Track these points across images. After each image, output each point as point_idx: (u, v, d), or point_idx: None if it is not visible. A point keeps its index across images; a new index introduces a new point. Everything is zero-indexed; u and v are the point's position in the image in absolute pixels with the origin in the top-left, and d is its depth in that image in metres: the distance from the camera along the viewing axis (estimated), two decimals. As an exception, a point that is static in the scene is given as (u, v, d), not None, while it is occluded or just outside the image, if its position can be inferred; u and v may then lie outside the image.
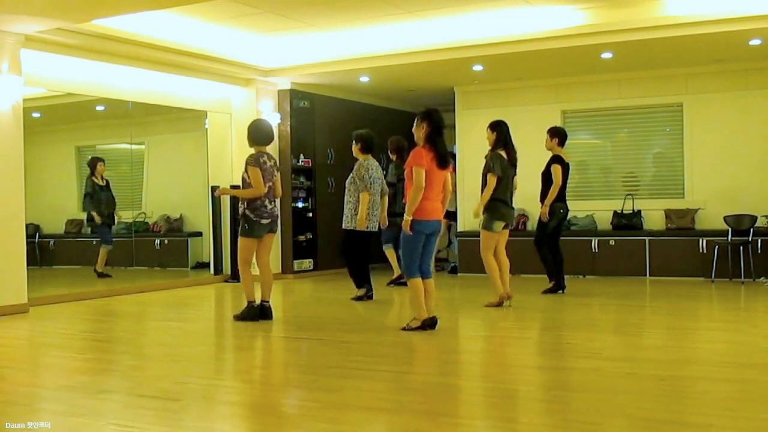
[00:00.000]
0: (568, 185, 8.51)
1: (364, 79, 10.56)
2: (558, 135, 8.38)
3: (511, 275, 7.65)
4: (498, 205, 7.34)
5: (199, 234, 11.23)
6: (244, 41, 9.53)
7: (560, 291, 8.35)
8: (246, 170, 6.68)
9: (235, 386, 4.71)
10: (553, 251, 8.36)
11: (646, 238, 9.96)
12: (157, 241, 11.23)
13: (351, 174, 8.07)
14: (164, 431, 3.63)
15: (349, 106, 11.65)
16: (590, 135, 11.08)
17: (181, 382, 4.56)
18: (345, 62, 9.72)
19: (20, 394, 4.45)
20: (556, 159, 8.29)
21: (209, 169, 10.75)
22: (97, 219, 10.40)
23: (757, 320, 7.04)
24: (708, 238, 9.60)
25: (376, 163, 8.16)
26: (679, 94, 10.25)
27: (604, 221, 10.44)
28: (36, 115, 9.60)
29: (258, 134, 6.84)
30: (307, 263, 10.97)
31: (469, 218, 10.99)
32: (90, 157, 10.52)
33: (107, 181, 10.41)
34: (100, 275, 10.06)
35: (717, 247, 9.43)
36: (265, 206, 6.71)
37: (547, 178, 8.31)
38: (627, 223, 10.19)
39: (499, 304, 7.39)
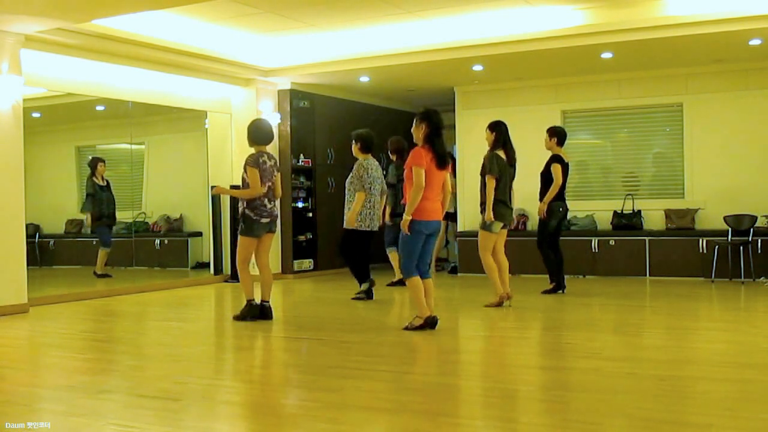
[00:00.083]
0: (567, 185, 8.52)
1: (364, 79, 10.56)
2: (557, 134, 8.39)
3: (511, 275, 7.66)
4: (497, 206, 7.34)
5: (199, 234, 11.23)
6: (244, 41, 9.53)
7: (560, 291, 8.35)
8: (245, 170, 6.69)
9: (235, 386, 4.72)
10: (553, 251, 8.37)
11: (646, 238, 9.96)
12: (157, 241, 11.23)
13: (351, 174, 8.07)
14: (164, 431, 3.63)
15: (349, 106, 11.65)
16: (590, 135, 11.08)
17: (181, 382, 4.56)
18: (345, 62, 9.72)
19: (20, 394, 4.45)
20: (556, 158, 8.29)
21: (209, 169, 10.75)
22: (87, 222, 10.40)
23: (757, 320, 7.04)
24: (708, 238, 9.60)
25: (376, 163, 8.17)
26: (679, 94, 10.25)
27: (604, 221, 10.43)
28: (36, 115, 9.60)
29: (258, 134, 6.84)
30: (307, 263, 10.97)
31: (469, 218, 11.00)
32: (90, 158, 10.52)
33: (108, 182, 10.41)
34: (100, 276, 10.06)
35: (717, 247, 9.43)
36: (265, 206, 6.72)
37: (546, 178, 8.31)
38: (627, 223, 10.19)
39: (499, 305, 7.39)
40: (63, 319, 7.38)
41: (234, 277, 10.05)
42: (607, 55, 9.15)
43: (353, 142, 8.13)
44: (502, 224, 7.42)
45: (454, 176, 9.40)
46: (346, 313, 7.41)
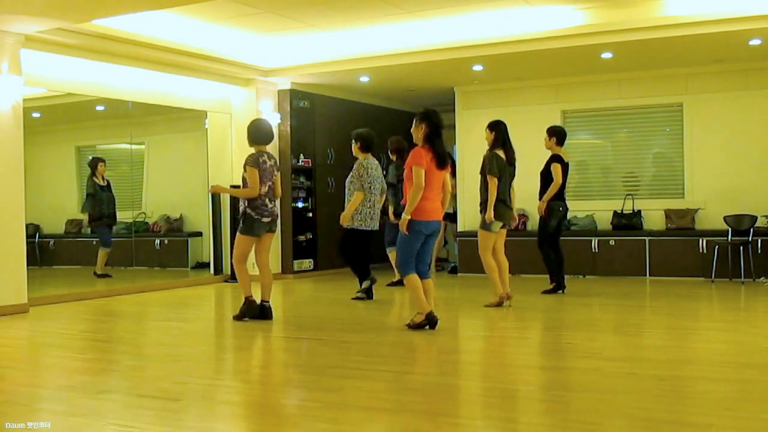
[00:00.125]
0: (567, 185, 8.53)
1: (364, 79, 10.56)
2: (556, 134, 8.39)
3: (511, 275, 7.66)
4: (497, 205, 7.34)
5: (199, 234, 11.23)
6: (244, 41, 9.54)
7: (560, 291, 8.35)
8: (245, 170, 6.69)
9: (235, 386, 4.72)
10: (553, 251, 8.37)
11: (646, 238, 9.96)
12: (157, 241, 11.23)
13: (351, 173, 8.08)
14: (164, 431, 3.63)
15: (349, 106, 11.65)
16: (590, 135, 11.08)
17: (181, 382, 4.56)
18: (345, 62, 9.72)
19: (20, 394, 4.45)
20: (556, 158, 8.29)
21: (209, 169, 10.75)
22: (85, 220, 10.40)
23: (757, 320, 7.04)
24: (708, 238, 9.60)
25: (376, 162, 8.17)
26: (679, 94, 10.25)
27: (604, 221, 10.44)
28: (36, 115, 9.60)
29: (258, 134, 6.84)
30: (307, 263, 10.97)
31: (469, 218, 11.00)
32: (91, 158, 10.52)
33: (108, 182, 10.41)
34: (100, 276, 10.06)
35: (717, 247, 9.43)
36: (266, 205, 6.72)
37: (546, 178, 8.31)
38: (627, 223, 10.19)
39: (499, 304, 7.39)
40: (63, 319, 7.38)
41: (234, 277, 10.05)
42: (607, 55, 9.15)
43: (353, 141, 8.14)
44: (501, 224, 7.42)
45: (454, 177, 9.38)
46: (346, 313, 7.41)
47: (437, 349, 5.68)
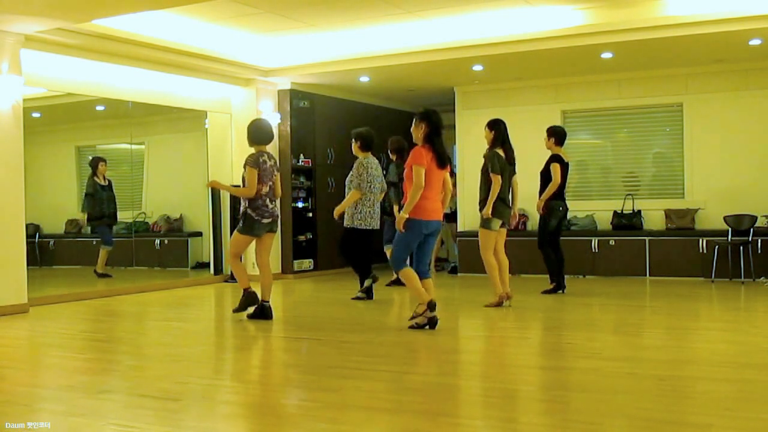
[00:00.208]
0: (567, 185, 8.53)
1: (364, 79, 10.56)
2: (555, 134, 8.39)
3: (511, 275, 7.66)
4: (496, 204, 7.34)
5: (199, 234, 11.23)
6: (244, 41, 9.53)
7: (560, 291, 8.35)
8: (245, 170, 6.70)
9: (235, 386, 4.71)
10: (553, 251, 8.37)
11: (646, 238, 9.96)
12: (157, 241, 11.23)
13: (351, 172, 8.08)
14: (164, 431, 3.63)
15: (349, 106, 11.65)
16: (590, 135, 11.08)
17: (181, 382, 4.56)
18: (345, 62, 9.72)
19: (20, 394, 4.45)
20: (555, 158, 8.30)
21: (209, 169, 10.75)
22: (82, 220, 10.40)
23: (757, 320, 7.04)
24: (708, 238, 9.60)
25: (376, 162, 8.18)
26: (679, 94, 10.25)
27: (604, 221, 10.44)
28: (36, 115, 9.60)
29: (258, 134, 6.84)
30: (307, 263, 10.97)
31: (469, 218, 11.00)
32: (92, 157, 10.52)
33: (109, 181, 10.41)
34: (101, 276, 10.06)
35: (717, 247, 9.43)
36: (267, 206, 6.72)
37: (546, 177, 8.31)
38: (627, 223, 10.19)
39: (499, 304, 7.39)
40: (63, 319, 7.38)
41: (234, 277, 10.04)
42: (607, 55, 9.15)
43: (353, 140, 8.14)
44: (500, 222, 7.42)
45: (452, 176, 9.39)
46: (346, 313, 7.41)
47: (437, 349, 5.68)
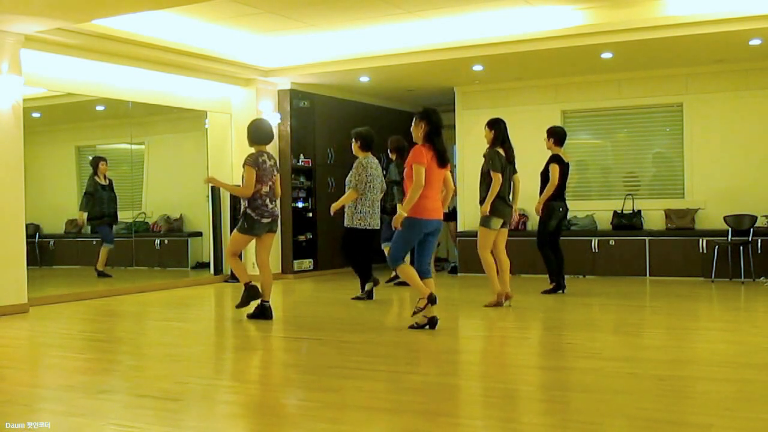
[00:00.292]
0: (568, 185, 8.52)
1: (364, 79, 10.56)
2: (555, 135, 8.39)
3: (511, 275, 7.65)
4: (496, 203, 7.34)
5: (199, 234, 11.23)
6: (244, 41, 9.54)
7: (560, 291, 8.35)
8: (244, 169, 6.71)
9: (235, 386, 4.71)
10: (553, 251, 8.37)
11: (646, 238, 9.96)
12: (157, 241, 11.23)
13: (350, 172, 8.09)
14: (164, 431, 3.63)
15: (349, 106, 11.65)
16: (590, 135, 11.08)
17: (181, 382, 4.56)
18: (345, 62, 9.72)
19: (20, 394, 4.45)
20: (555, 158, 8.30)
21: (209, 169, 10.75)
22: (81, 220, 10.40)
23: (757, 320, 7.04)
24: (708, 238, 9.60)
25: (376, 161, 8.18)
26: (679, 94, 10.25)
27: (604, 221, 10.44)
28: (36, 115, 9.60)
29: (258, 134, 6.84)
30: (307, 263, 10.97)
31: (469, 218, 11.00)
32: (92, 157, 10.52)
33: (110, 181, 10.41)
34: (101, 274, 10.06)
35: (717, 247, 9.43)
36: (267, 206, 6.72)
37: (546, 178, 8.32)
38: (627, 223, 10.19)
39: (498, 303, 7.39)
40: (63, 319, 7.38)
41: (234, 277, 10.05)
42: (607, 55, 9.15)
43: (353, 140, 8.14)
44: (501, 222, 7.42)
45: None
46: (346, 313, 7.41)
47: (437, 349, 5.68)
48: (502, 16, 8.56)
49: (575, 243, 10.06)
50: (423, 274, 6.15)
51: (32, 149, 8.64)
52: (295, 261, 10.78)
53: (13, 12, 6.83)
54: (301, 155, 10.96)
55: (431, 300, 6.05)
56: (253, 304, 6.85)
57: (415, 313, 6.15)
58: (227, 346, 6.26)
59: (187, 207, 11.42)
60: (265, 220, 6.72)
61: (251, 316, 6.81)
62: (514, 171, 7.55)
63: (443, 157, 6.09)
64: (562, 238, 8.52)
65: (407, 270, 6.11)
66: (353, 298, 8.13)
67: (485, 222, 7.37)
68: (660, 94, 10.35)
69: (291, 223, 10.74)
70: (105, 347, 6.16)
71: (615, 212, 10.33)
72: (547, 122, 9.56)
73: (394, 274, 9.15)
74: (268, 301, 6.82)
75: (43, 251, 10.60)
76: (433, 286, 6.24)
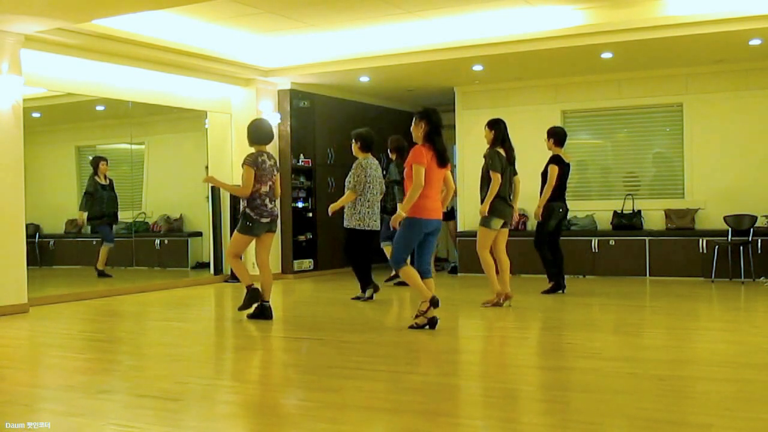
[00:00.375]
0: (568, 185, 8.51)
1: (364, 79, 10.56)
2: (554, 135, 8.39)
3: (511, 275, 7.65)
4: (497, 203, 7.34)
5: (199, 234, 11.23)
6: (244, 41, 9.53)
7: (560, 291, 8.35)
8: (243, 169, 6.71)
9: (235, 386, 4.71)
10: (553, 251, 8.37)
11: (646, 238, 9.96)
12: (157, 241, 11.23)
13: (349, 173, 8.09)
14: (164, 431, 3.63)
15: (349, 106, 11.65)
16: (590, 135, 11.08)
17: (181, 382, 4.56)
18: (345, 62, 9.72)
19: (20, 394, 4.45)
20: (554, 159, 8.30)
21: (209, 169, 10.75)
22: (81, 220, 10.41)
23: (757, 320, 7.04)
24: (708, 238, 9.60)
25: (376, 162, 8.18)
26: (679, 94, 10.25)
27: (604, 221, 10.44)
28: (36, 115, 9.60)
29: (258, 134, 6.84)
30: (307, 263, 10.97)
31: (469, 218, 11.00)
32: (92, 157, 10.52)
33: (111, 181, 10.41)
34: (101, 274, 10.06)
35: (717, 247, 9.43)
36: (266, 205, 6.72)
37: (546, 178, 8.31)
38: (627, 223, 10.19)
39: (497, 303, 7.39)
40: (63, 319, 7.38)
41: (234, 277, 10.05)
42: (607, 55, 9.15)
43: (353, 141, 8.14)
44: (502, 222, 7.42)
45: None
46: (346, 313, 7.41)
47: (437, 349, 5.68)
48: (502, 16, 8.56)
49: (575, 243, 10.06)
50: (423, 274, 6.15)
51: (32, 149, 8.64)
52: (295, 261, 10.78)
53: (13, 12, 6.83)
54: (301, 155, 10.96)
55: (433, 303, 6.05)
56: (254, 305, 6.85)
57: (417, 316, 6.14)
58: (227, 346, 6.26)
59: (187, 207, 11.42)
60: (264, 220, 6.72)
61: (251, 316, 6.81)
62: (515, 172, 7.55)
63: (443, 157, 6.09)
64: (562, 238, 8.52)
65: (410, 272, 6.10)
66: (353, 298, 8.13)
67: (485, 222, 7.37)
68: (660, 94, 10.35)
69: (291, 223, 10.74)
70: (105, 347, 6.16)
71: (615, 212, 10.33)
72: (547, 122, 9.56)
73: (393, 273, 9.15)
74: (268, 301, 6.82)
75: (43, 251, 10.60)
76: (433, 286, 6.25)
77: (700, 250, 9.64)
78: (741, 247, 9.30)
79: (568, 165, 8.39)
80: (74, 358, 5.63)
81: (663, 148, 10.70)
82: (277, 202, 6.91)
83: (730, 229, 9.46)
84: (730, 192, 9.90)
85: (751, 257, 9.33)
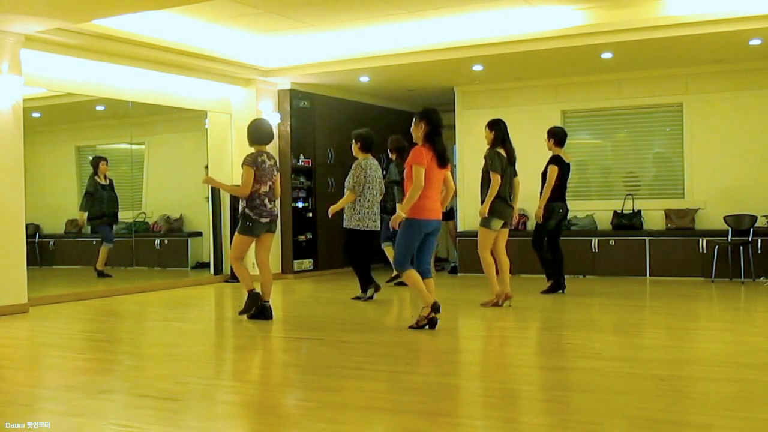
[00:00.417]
0: (568, 185, 8.51)
1: (364, 79, 10.56)
2: (554, 136, 8.38)
3: (511, 275, 7.65)
4: (497, 203, 7.34)
5: (199, 234, 11.23)
6: (244, 41, 9.53)
7: (560, 291, 8.35)
8: (242, 168, 6.71)
9: (235, 386, 4.71)
10: (553, 251, 8.37)
11: (646, 238, 9.96)
12: (157, 241, 11.23)
13: (349, 173, 8.09)
14: (164, 431, 3.63)
15: (349, 106, 11.65)
16: (590, 135, 11.08)
17: (181, 382, 4.56)
18: (345, 62, 9.72)
19: (20, 394, 4.45)
20: (554, 159, 8.30)
21: (209, 169, 10.75)
22: (81, 220, 10.41)
23: (757, 320, 7.04)
24: (708, 238, 9.60)
25: (376, 163, 8.17)
26: (679, 94, 10.25)
27: (604, 221, 10.44)
28: (36, 115, 9.60)
29: (258, 134, 6.84)
30: (307, 263, 10.97)
31: (469, 218, 11.00)
32: (92, 157, 10.52)
33: (111, 181, 10.41)
34: (100, 274, 10.06)
35: (717, 247, 9.43)
36: (265, 205, 6.72)
37: (546, 178, 8.31)
38: (627, 223, 10.19)
39: (496, 304, 7.39)
40: (63, 319, 7.38)
41: (234, 277, 10.05)
42: (607, 55, 9.15)
43: (353, 141, 8.14)
44: (502, 222, 7.42)
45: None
46: (346, 313, 7.41)
47: (437, 349, 5.68)
48: (502, 16, 8.56)
49: (575, 243, 10.06)
50: (423, 274, 6.14)
51: (32, 149, 8.64)
52: (295, 261, 10.78)
53: (13, 12, 6.83)
54: (301, 155, 10.96)
55: (435, 309, 6.05)
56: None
57: (418, 321, 6.12)
58: (227, 346, 6.26)
59: (187, 207, 11.42)
60: (263, 220, 6.72)
61: (252, 316, 6.81)
62: (515, 173, 7.54)
63: (443, 158, 6.09)
64: (562, 238, 8.52)
65: (413, 276, 6.08)
66: (353, 298, 8.13)
67: (485, 223, 7.37)
68: (660, 94, 10.35)
69: (291, 223, 10.74)
70: (105, 347, 6.16)
71: (615, 212, 10.33)
72: (547, 122, 9.56)
73: (395, 273, 9.14)
74: (268, 301, 6.82)
75: (43, 251, 10.60)
76: (433, 286, 6.25)
77: (700, 250, 9.64)
78: (741, 247, 9.30)
79: (568, 165, 8.39)
80: (74, 358, 5.63)
81: (663, 148, 10.70)
82: (277, 202, 6.91)
83: (730, 229, 9.46)
84: (730, 192, 9.90)
85: (751, 257, 9.33)
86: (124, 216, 10.82)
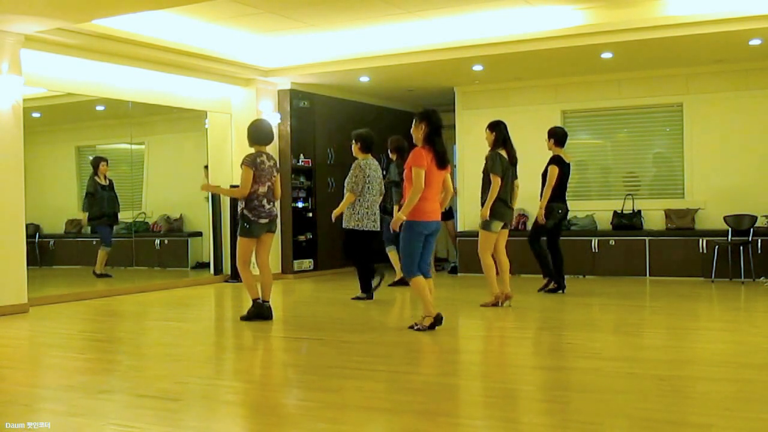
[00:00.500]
0: (568, 185, 8.51)
1: (364, 79, 10.56)
2: (554, 136, 8.39)
3: (511, 275, 7.65)
4: (497, 205, 7.34)
5: (199, 234, 11.23)
6: (244, 41, 9.53)
7: (560, 291, 8.35)
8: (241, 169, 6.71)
9: (235, 386, 4.71)
10: (552, 251, 8.37)
11: (646, 238, 9.96)
12: (157, 241, 11.23)
13: (348, 174, 8.08)
14: (164, 431, 3.63)
15: (349, 106, 11.65)
16: (590, 135, 11.08)
17: (181, 382, 4.56)
18: (345, 62, 9.72)
19: (20, 394, 4.45)
20: (554, 160, 8.30)
21: (209, 170, 10.75)
22: (83, 219, 10.41)
23: (757, 320, 7.04)
24: (708, 238, 9.60)
25: (376, 163, 8.17)
26: (679, 94, 10.25)
27: (604, 221, 10.44)
28: (36, 115, 9.60)
29: (258, 134, 6.83)
30: (307, 263, 10.97)
31: (469, 218, 11.00)
32: (93, 157, 10.52)
33: (111, 181, 10.41)
34: (100, 276, 10.06)
35: (717, 247, 9.43)
36: (263, 206, 6.71)
37: (546, 178, 8.32)
38: (627, 223, 10.19)
39: (495, 304, 7.39)
40: (63, 319, 7.38)
41: (234, 277, 10.06)
42: (607, 55, 9.15)
43: (353, 142, 8.14)
44: (502, 224, 7.42)
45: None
46: (346, 313, 7.41)
47: (437, 349, 5.68)
48: (502, 16, 8.56)
49: (575, 243, 10.06)
50: (423, 275, 6.13)
51: (32, 149, 8.65)
52: (295, 261, 10.78)
53: (13, 12, 6.83)
54: (301, 155, 10.96)
55: (437, 321, 6.04)
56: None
57: (417, 327, 6.11)
58: (227, 346, 6.26)
59: (187, 207, 11.42)
60: (262, 221, 6.71)
61: (251, 317, 6.81)
62: (515, 176, 7.54)
63: (443, 159, 6.07)
64: (562, 238, 8.52)
65: (420, 283, 6.06)
66: (353, 298, 8.13)
67: (486, 225, 7.37)
68: (660, 94, 10.35)
69: (291, 223, 10.74)
70: (105, 347, 6.16)
71: (615, 212, 10.33)
72: (547, 122, 9.56)
73: (398, 277, 9.13)
74: (268, 301, 6.81)
75: (43, 251, 10.59)
76: (433, 286, 6.24)
77: (700, 250, 9.64)
78: (741, 247, 9.30)
79: (568, 165, 8.39)
80: (74, 358, 5.63)
81: (663, 148, 10.70)
82: (277, 202, 6.90)
83: (730, 229, 9.46)
84: (730, 192, 9.90)
85: (751, 257, 9.33)
86: (124, 216, 10.82)
